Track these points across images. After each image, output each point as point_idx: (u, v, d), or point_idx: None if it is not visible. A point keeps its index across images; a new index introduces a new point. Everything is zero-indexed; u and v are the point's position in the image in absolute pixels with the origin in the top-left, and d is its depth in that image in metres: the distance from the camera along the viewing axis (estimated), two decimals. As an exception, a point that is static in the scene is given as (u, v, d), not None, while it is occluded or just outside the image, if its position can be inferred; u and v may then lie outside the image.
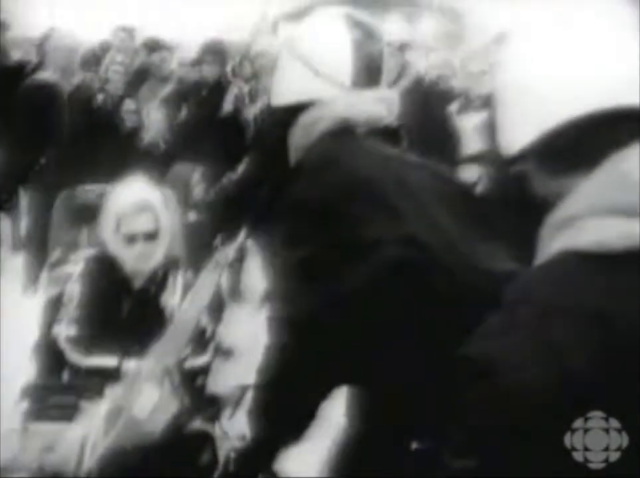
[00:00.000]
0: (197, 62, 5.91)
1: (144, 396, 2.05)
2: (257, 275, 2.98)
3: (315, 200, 1.73)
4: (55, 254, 3.87)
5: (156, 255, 3.26)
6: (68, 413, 2.84)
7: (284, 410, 1.74)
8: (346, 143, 1.81)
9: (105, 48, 6.15)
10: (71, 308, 3.22)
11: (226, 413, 2.06)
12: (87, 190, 3.98)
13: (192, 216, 4.51)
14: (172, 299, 3.29)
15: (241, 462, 1.91)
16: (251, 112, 5.39)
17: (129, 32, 6.39)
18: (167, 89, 6.07)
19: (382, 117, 1.87)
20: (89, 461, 1.95)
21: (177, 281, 3.32)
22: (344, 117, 1.83)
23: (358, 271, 1.63)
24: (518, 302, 1.08)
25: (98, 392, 2.88)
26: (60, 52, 5.77)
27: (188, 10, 8.82)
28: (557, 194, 1.10)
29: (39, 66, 5.71)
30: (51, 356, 3.31)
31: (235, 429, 2.02)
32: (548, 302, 1.05)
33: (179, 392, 2.23)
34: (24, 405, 2.90)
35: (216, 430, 2.11)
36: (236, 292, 2.94)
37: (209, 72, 5.56)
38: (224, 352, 2.74)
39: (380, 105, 1.87)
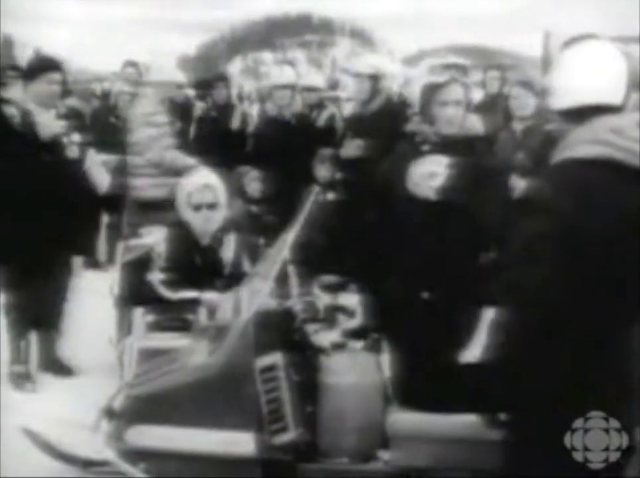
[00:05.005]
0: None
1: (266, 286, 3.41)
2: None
3: None
4: (126, 232, 5.26)
5: (215, 220, 4.65)
6: (176, 325, 4.23)
7: None
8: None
9: (111, 80, 7.51)
10: (160, 261, 4.57)
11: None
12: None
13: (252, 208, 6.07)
14: (228, 253, 4.69)
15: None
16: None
17: (135, 66, 7.72)
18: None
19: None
20: (247, 314, 3.30)
21: (231, 241, 4.72)
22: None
23: None
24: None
25: (193, 310, 4.27)
26: (80, 84, 7.14)
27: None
28: (565, 132, 2.48)
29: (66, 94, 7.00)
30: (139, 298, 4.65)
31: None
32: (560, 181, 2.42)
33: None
34: (148, 318, 4.25)
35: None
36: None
37: (218, 95, 6.98)
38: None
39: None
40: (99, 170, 4.96)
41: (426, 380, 3.11)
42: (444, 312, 3.09)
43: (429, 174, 3.15)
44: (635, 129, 2.39)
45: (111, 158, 5.34)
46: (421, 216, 3.15)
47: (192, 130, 6.75)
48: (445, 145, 3.24)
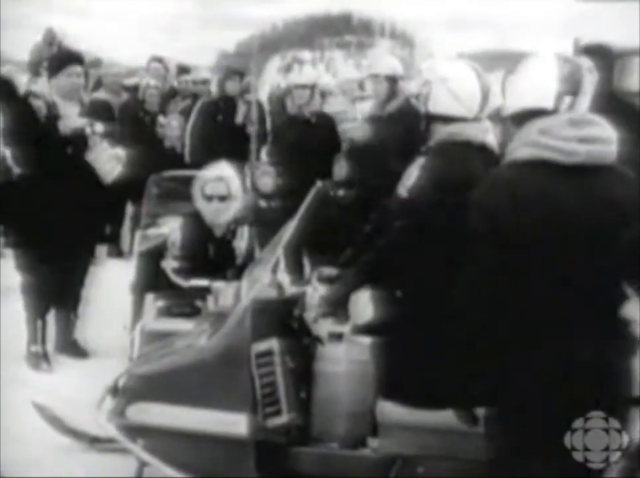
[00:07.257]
0: (217, 81, 7.51)
1: (265, 275, 3.55)
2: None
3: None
4: (144, 221, 5.45)
5: (227, 212, 4.81)
6: (185, 311, 4.40)
7: None
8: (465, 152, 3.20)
9: (141, 74, 7.73)
10: (174, 249, 4.74)
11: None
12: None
13: (262, 203, 6.24)
14: (241, 244, 4.85)
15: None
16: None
17: (161, 61, 7.95)
18: (183, 104, 7.67)
19: (485, 141, 3.25)
20: (245, 301, 3.45)
21: (244, 233, 4.88)
22: (469, 138, 3.24)
23: None
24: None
25: (202, 298, 4.43)
26: (111, 77, 7.37)
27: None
28: (512, 135, 2.64)
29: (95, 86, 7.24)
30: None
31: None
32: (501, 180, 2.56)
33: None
34: (159, 303, 4.43)
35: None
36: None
37: (231, 87, 7.22)
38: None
39: (487, 134, 3.27)
40: (109, 160, 5.10)
41: (406, 377, 3.22)
42: (417, 309, 3.18)
43: (408, 175, 3.26)
44: (564, 128, 2.51)
45: (126, 152, 5.41)
46: (396, 213, 3.26)
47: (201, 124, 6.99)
48: (431, 149, 3.33)
